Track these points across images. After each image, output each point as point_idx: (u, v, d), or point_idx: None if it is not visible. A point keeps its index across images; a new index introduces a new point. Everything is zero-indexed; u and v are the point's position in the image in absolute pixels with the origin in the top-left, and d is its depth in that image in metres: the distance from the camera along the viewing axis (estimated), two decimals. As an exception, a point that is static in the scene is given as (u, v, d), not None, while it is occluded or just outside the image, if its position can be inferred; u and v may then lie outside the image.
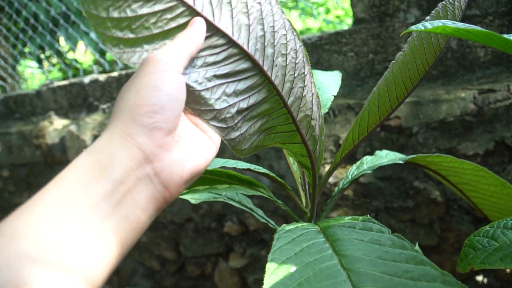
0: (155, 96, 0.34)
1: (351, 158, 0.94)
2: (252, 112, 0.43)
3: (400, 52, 0.47)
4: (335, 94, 0.65)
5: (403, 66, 0.47)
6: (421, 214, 0.89)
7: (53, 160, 1.50)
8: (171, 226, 1.28)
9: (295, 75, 0.43)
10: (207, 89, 0.40)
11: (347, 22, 3.15)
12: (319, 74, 0.74)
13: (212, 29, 0.38)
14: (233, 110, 0.41)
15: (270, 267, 0.34)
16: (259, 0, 0.40)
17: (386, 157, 0.66)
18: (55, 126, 1.52)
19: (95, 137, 1.39)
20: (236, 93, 0.41)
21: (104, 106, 1.46)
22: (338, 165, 0.56)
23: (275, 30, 0.41)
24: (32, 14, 2.22)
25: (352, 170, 0.64)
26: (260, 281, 1.16)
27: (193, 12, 0.37)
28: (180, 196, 0.60)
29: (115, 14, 0.37)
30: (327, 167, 0.97)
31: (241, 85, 0.41)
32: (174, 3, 0.37)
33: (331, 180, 0.96)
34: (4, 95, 1.73)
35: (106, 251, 0.30)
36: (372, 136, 0.89)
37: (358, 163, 0.65)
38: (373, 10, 0.92)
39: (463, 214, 0.85)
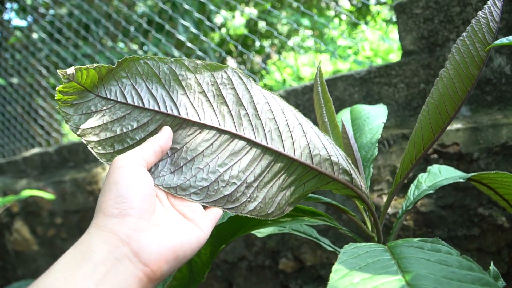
0: (116, 190, 0.39)
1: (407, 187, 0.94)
2: (264, 178, 0.45)
3: (443, 69, 0.49)
4: (384, 121, 0.67)
5: (449, 81, 0.48)
6: (487, 242, 0.86)
7: (105, 205, 1.55)
8: (224, 265, 1.28)
9: (291, 130, 0.45)
10: (214, 181, 0.44)
11: (377, 62, 3.19)
12: (365, 107, 0.76)
13: (201, 126, 0.44)
14: (243, 188, 0.44)
15: (333, 276, 0.35)
16: (232, 86, 0.44)
17: (441, 173, 0.66)
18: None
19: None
20: (242, 171, 0.44)
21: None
22: (399, 186, 0.57)
23: (256, 102, 0.45)
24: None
25: (412, 190, 0.64)
26: (318, 320, 1.13)
27: (178, 119, 0.44)
28: (247, 232, 0.62)
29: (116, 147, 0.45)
30: (385, 198, 0.97)
31: (244, 163, 0.45)
32: (156, 123, 0.44)
33: (390, 210, 0.95)
34: (57, 145, 1.82)
35: None
36: (429, 163, 0.89)
37: (415, 182, 0.65)
38: (422, 41, 0.95)
39: (535, 240, 0.82)
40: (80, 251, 0.36)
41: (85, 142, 0.44)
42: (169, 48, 2.32)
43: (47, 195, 1.38)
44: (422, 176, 0.64)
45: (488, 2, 0.47)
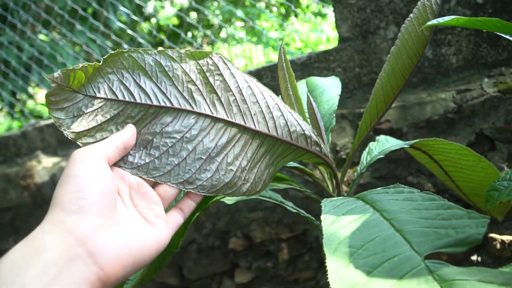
0: (76, 184, 0.37)
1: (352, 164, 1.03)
2: (254, 160, 0.48)
3: (394, 46, 0.56)
4: (339, 93, 0.73)
5: (398, 57, 0.56)
6: (417, 207, 0.98)
7: (43, 199, 1.49)
8: (173, 250, 1.30)
9: (272, 111, 0.48)
10: (216, 171, 0.45)
11: (307, 52, 3.31)
12: (320, 80, 0.82)
13: (197, 115, 0.44)
14: (238, 173, 0.46)
15: (324, 223, 0.41)
16: (219, 71, 0.45)
17: (388, 141, 0.74)
18: (44, 164, 1.52)
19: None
20: (236, 157, 0.46)
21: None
22: (357, 150, 0.64)
23: (240, 87, 0.46)
24: (2, 61, 2.22)
25: (365, 156, 0.71)
26: (268, 293, 1.20)
27: (172, 110, 0.44)
28: (216, 199, 0.66)
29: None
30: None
31: (237, 149, 0.46)
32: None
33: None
34: (-16, 138, 1.71)
35: None
36: (367, 139, 0.98)
37: (367, 149, 0.72)
38: (356, 29, 1.04)
39: (454, 202, 0.95)
40: (32, 248, 0.34)
41: (81, 145, 0.43)
42: (101, 38, 2.25)
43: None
44: (372, 144, 0.72)
45: None
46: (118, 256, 0.36)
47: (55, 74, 0.41)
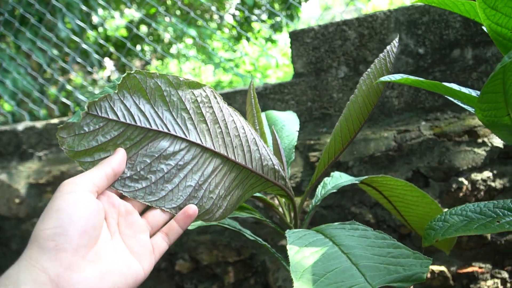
0: (57, 219, 0.37)
1: (313, 192, 1.08)
2: (229, 189, 0.51)
3: (353, 95, 0.62)
4: (298, 129, 0.79)
5: (356, 105, 0.62)
6: (358, 236, 1.05)
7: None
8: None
9: (250, 144, 0.52)
10: (201, 198, 0.48)
11: (257, 76, 3.42)
12: (278, 114, 0.87)
13: (189, 144, 0.46)
14: (217, 201, 0.49)
15: (291, 252, 0.46)
16: (210, 104, 0.47)
17: (341, 177, 0.81)
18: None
19: (30, 185, 1.35)
20: (216, 186, 0.49)
21: (40, 154, 1.43)
22: (314, 185, 0.69)
23: (226, 121, 0.48)
24: None
25: (319, 190, 0.77)
26: (212, 316, 1.21)
27: (169, 136, 0.46)
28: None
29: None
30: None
31: (218, 178, 0.50)
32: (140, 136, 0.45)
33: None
34: None
35: None
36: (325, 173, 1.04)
37: (322, 183, 0.78)
38: (310, 66, 1.11)
39: (391, 232, 1.03)
40: (5, 286, 0.34)
41: (78, 164, 0.43)
42: (47, 45, 2.18)
43: None
44: (327, 179, 0.78)
45: (388, 47, 0.62)
46: None
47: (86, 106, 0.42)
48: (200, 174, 0.47)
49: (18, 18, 2.06)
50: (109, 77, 3.50)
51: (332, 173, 0.81)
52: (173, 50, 3.83)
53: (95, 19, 2.91)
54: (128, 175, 0.44)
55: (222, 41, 3.49)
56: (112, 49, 2.54)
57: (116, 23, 3.73)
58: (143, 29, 3.68)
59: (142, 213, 0.46)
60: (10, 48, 2.27)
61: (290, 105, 1.14)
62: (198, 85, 0.46)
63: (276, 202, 0.73)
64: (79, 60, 1.98)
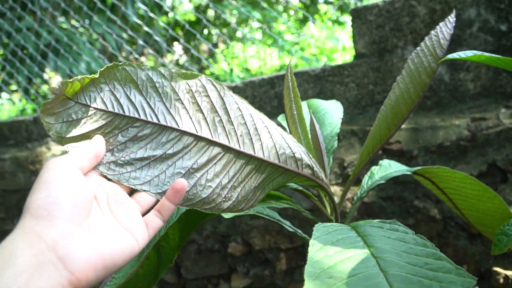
0: (46, 189, 0.37)
1: (357, 181, 1.02)
2: (238, 179, 0.48)
3: (400, 76, 0.55)
4: (341, 116, 0.73)
5: (404, 86, 0.56)
6: (421, 231, 0.97)
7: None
8: (172, 249, 1.30)
9: (259, 133, 0.49)
10: (193, 186, 0.46)
11: (322, 60, 3.33)
12: (321, 102, 0.82)
13: (180, 133, 0.46)
14: (218, 190, 0.47)
15: (311, 249, 0.40)
16: (207, 93, 0.46)
17: (391, 166, 0.73)
18: (53, 152, 1.53)
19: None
20: (216, 175, 0.47)
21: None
22: (358, 175, 0.63)
23: (229, 108, 0.47)
24: (19, 46, 2.23)
25: (366, 180, 0.71)
26: (263, 302, 1.20)
27: (157, 126, 0.45)
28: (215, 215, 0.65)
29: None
30: (334, 187, 1.05)
31: (218, 167, 0.47)
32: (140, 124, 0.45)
33: (338, 199, 1.04)
34: (-4, 121, 1.72)
35: None
36: (374, 159, 0.98)
37: (369, 173, 0.72)
38: (373, 46, 1.03)
39: (460, 231, 0.94)
40: (2, 255, 0.34)
41: (67, 150, 0.44)
42: (118, 30, 2.26)
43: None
44: (374, 169, 0.72)
45: (441, 23, 0.55)
46: (89, 261, 0.37)
47: (56, 86, 0.42)
48: (193, 162, 0.46)
49: (90, 3, 2.16)
50: (177, 60, 3.58)
51: (380, 162, 0.74)
52: (239, 34, 3.83)
53: (164, 4, 2.98)
54: (113, 159, 0.45)
55: (287, 24, 3.42)
56: (180, 34, 2.58)
57: (184, 8, 3.80)
58: (210, 13, 3.71)
59: (130, 195, 0.46)
60: (83, 31, 2.39)
61: (350, 88, 1.07)
62: (192, 76, 0.46)
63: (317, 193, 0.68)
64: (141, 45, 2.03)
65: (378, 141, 0.59)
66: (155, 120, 0.45)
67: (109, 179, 0.46)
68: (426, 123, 0.95)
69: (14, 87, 2.86)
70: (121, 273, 0.57)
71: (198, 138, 0.46)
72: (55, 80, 3.06)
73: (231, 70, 3.49)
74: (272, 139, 0.49)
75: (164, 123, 0.45)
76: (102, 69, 0.44)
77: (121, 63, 0.44)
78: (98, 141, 0.43)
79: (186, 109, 0.46)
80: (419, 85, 0.55)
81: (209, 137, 0.47)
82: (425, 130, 0.94)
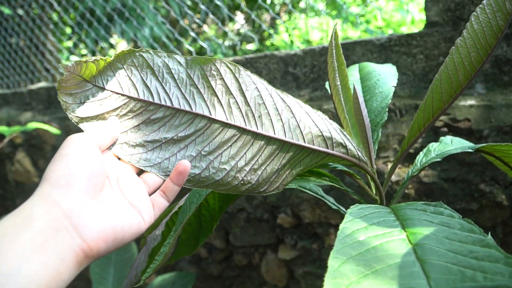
0: (65, 161, 0.40)
1: (412, 158, 0.96)
2: (257, 162, 0.47)
3: (460, 38, 0.48)
4: (395, 84, 0.66)
5: (464, 50, 0.48)
6: (484, 217, 0.90)
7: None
8: (222, 215, 1.32)
9: (280, 113, 0.47)
10: (205, 169, 0.47)
11: (388, 33, 3.16)
12: (374, 66, 0.74)
13: (193, 116, 0.46)
14: (233, 173, 0.47)
15: (341, 234, 0.37)
16: (221, 76, 0.46)
17: (452, 143, 0.66)
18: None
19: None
20: (232, 157, 0.47)
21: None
22: (405, 153, 0.58)
23: (244, 89, 0.46)
24: (88, 9, 2.31)
25: (420, 158, 0.65)
26: (309, 274, 1.18)
27: (171, 109, 0.46)
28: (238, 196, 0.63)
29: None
30: (390, 165, 1.00)
31: (234, 149, 0.47)
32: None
33: (393, 178, 0.98)
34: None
35: None
36: (428, 137, 0.91)
37: (425, 150, 0.66)
38: (448, 14, 0.94)
39: (529, 219, 0.86)
40: (20, 218, 0.36)
41: (82, 129, 0.46)
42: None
43: (53, 130, 1.39)
44: (432, 145, 0.66)
45: None
46: (101, 231, 0.39)
47: (69, 64, 0.44)
48: (205, 144, 0.46)
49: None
50: (238, 30, 3.56)
51: (442, 138, 0.67)
52: (302, 4, 3.72)
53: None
54: (126, 140, 0.46)
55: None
56: (243, 3, 2.55)
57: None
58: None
59: (138, 175, 0.48)
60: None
61: (418, 59, 0.99)
62: (207, 61, 0.46)
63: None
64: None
65: (430, 115, 0.53)
66: (168, 104, 0.46)
67: (120, 159, 0.48)
68: (500, 100, 0.86)
69: (84, 51, 2.99)
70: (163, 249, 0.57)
71: (211, 121, 0.46)
72: (121, 46, 3.16)
73: (292, 41, 3.42)
74: (295, 118, 0.47)
75: (177, 106, 0.46)
76: (117, 53, 0.46)
77: (138, 50, 0.46)
78: (114, 122, 0.46)
79: (201, 93, 0.46)
80: (482, 48, 0.48)
81: (224, 119, 0.46)
82: (499, 108, 0.85)
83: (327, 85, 0.74)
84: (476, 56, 0.48)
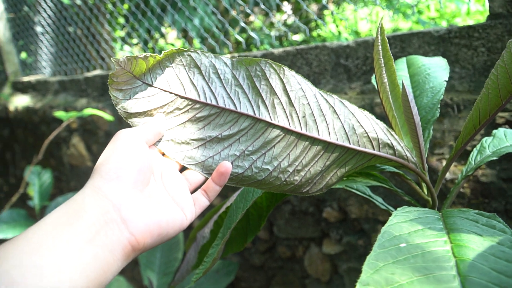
0: (116, 156, 0.41)
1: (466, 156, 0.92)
2: (301, 163, 0.47)
3: None
4: (447, 79, 0.63)
5: None
6: (546, 221, 0.85)
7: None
8: (267, 206, 1.33)
9: (324, 114, 0.46)
10: (248, 168, 0.47)
11: (442, 24, 3.03)
12: (424, 60, 0.71)
13: (237, 115, 0.47)
14: (276, 173, 0.47)
15: (381, 238, 0.36)
16: (266, 77, 0.46)
17: (506, 138, 0.62)
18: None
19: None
20: (275, 158, 0.47)
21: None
22: (460, 151, 0.55)
23: (289, 90, 0.46)
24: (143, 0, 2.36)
25: (474, 155, 0.61)
26: (353, 270, 1.17)
27: (216, 108, 0.47)
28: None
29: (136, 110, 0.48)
30: (445, 162, 0.96)
31: (277, 149, 0.47)
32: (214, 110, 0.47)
33: (447, 176, 0.95)
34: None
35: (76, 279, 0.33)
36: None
37: (478, 146, 0.62)
38: (515, 5, 0.89)
39: None
40: (73, 209, 0.37)
41: (130, 124, 0.48)
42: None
43: (107, 116, 1.45)
44: (486, 140, 0.62)
45: None
46: (147, 226, 0.39)
47: (121, 59, 0.45)
48: (249, 144, 0.47)
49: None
50: (285, 20, 3.54)
51: (494, 131, 0.62)
52: (352, -6, 3.63)
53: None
54: (172, 138, 0.47)
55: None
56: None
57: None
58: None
59: (181, 172, 0.49)
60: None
61: (479, 52, 0.94)
62: (252, 62, 0.46)
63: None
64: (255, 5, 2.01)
65: (486, 112, 0.50)
66: (214, 103, 0.46)
67: (164, 156, 0.48)
68: None
69: (135, 40, 3.08)
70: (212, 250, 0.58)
71: (255, 120, 0.46)
72: (171, 35, 3.22)
73: (339, 32, 3.35)
74: (339, 119, 0.47)
75: (223, 105, 0.46)
76: (167, 51, 0.47)
77: (186, 49, 0.46)
78: (161, 119, 0.47)
79: (246, 93, 0.46)
80: None
81: (268, 119, 0.46)
82: None
83: (373, 80, 0.71)
84: None
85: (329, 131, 0.47)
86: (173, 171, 0.47)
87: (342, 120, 0.47)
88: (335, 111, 0.47)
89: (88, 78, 1.92)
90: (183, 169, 0.49)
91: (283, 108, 0.46)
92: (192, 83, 0.47)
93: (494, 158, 0.58)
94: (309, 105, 0.46)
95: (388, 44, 0.56)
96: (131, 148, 0.42)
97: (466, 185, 0.93)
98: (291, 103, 0.46)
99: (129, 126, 0.47)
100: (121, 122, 1.70)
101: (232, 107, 0.46)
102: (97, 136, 1.79)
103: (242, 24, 1.79)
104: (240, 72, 0.47)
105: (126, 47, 3.64)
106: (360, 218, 1.13)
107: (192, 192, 0.48)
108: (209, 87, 0.47)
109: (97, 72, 2.01)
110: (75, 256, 0.34)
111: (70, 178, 1.97)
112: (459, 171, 0.94)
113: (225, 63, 0.47)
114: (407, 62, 0.73)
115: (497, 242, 0.35)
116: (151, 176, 0.44)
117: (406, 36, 1.05)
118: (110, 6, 2.47)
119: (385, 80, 0.55)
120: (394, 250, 0.34)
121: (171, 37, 3.39)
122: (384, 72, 0.55)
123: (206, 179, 0.49)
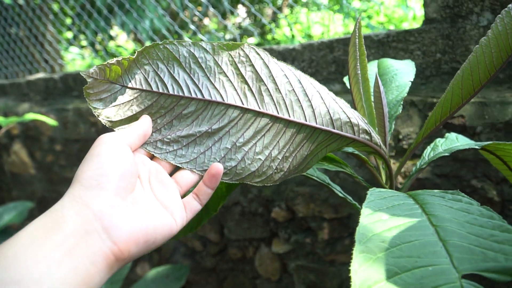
0: (97, 162, 0.39)
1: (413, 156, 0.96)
2: (289, 149, 0.47)
3: (484, 37, 0.50)
4: (412, 79, 0.68)
5: (487, 49, 0.49)
6: (476, 214, 0.90)
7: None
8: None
9: (310, 99, 0.46)
10: (241, 160, 0.46)
11: (390, 28, 3.15)
12: (393, 62, 0.76)
13: (225, 106, 0.45)
14: (268, 162, 0.46)
15: (365, 212, 0.38)
16: (250, 62, 0.45)
17: (457, 140, 0.68)
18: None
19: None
20: (266, 147, 0.46)
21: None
22: (420, 144, 0.59)
23: (274, 76, 0.45)
24: (89, 0, 2.30)
25: (428, 152, 0.66)
26: (302, 268, 1.19)
27: (202, 101, 0.45)
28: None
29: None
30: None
31: (267, 138, 0.46)
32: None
33: (402, 170, 0.98)
34: (63, 72, 1.81)
35: None
36: (436, 132, 0.91)
37: (432, 145, 0.67)
38: (446, 11, 0.94)
39: (521, 217, 0.86)
40: (51, 219, 0.35)
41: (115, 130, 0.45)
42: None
43: (50, 121, 1.39)
44: (439, 141, 0.67)
45: None
46: (131, 233, 0.38)
47: (91, 70, 0.43)
48: (240, 135, 0.45)
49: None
50: (240, 23, 3.55)
51: (447, 134, 0.68)
52: (304, -2, 3.70)
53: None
54: (160, 138, 0.45)
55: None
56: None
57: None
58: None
59: (171, 175, 0.47)
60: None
61: (415, 55, 0.99)
62: (234, 46, 0.44)
63: (373, 160, 0.64)
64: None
65: (448, 109, 0.54)
66: (199, 96, 0.45)
67: (152, 159, 0.47)
68: (495, 97, 0.86)
69: (84, 42, 2.98)
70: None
71: (244, 110, 0.45)
72: (122, 38, 3.15)
73: (293, 36, 3.41)
74: (325, 104, 0.47)
75: (209, 98, 0.45)
76: (140, 49, 0.44)
77: (161, 42, 0.44)
78: (146, 120, 0.45)
79: (231, 81, 0.45)
80: (504, 49, 0.49)
81: (256, 108, 0.45)
82: (493, 105, 0.85)
83: (345, 79, 0.75)
84: (496, 55, 0.49)
85: (315, 117, 0.46)
86: (162, 175, 0.45)
87: (327, 105, 0.47)
88: (320, 96, 0.47)
89: (30, 81, 1.84)
90: (173, 172, 0.47)
91: (271, 95, 0.45)
92: (173, 77, 0.44)
93: (446, 154, 0.62)
94: (294, 91, 0.45)
95: (363, 40, 0.59)
96: (112, 153, 0.40)
97: (402, 181, 0.97)
98: (278, 90, 0.45)
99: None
100: (66, 127, 1.64)
101: (219, 99, 0.45)
102: (40, 142, 1.72)
103: (192, 27, 1.78)
104: (223, 58, 0.45)
105: (73, 48, 3.52)
106: (307, 217, 1.15)
107: (183, 195, 0.46)
108: (192, 79, 0.45)
109: (40, 75, 1.93)
110: (54, 269, 0.32)
111: (12, 187, 1.87)
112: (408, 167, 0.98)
113: (205, 49, 0.44)
114: (378, 64, 0.78)
115: (468, 212, 0.38)
116: (137, 181, 0.42)
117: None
118: (54, 6, 2.39)
119: (359, 71, 0.58)
120: (379, 222, 0.36)
121: (122, 39, 3.32)
122: (358, 64, 0.57)
123: (198, 180, 0.47)
